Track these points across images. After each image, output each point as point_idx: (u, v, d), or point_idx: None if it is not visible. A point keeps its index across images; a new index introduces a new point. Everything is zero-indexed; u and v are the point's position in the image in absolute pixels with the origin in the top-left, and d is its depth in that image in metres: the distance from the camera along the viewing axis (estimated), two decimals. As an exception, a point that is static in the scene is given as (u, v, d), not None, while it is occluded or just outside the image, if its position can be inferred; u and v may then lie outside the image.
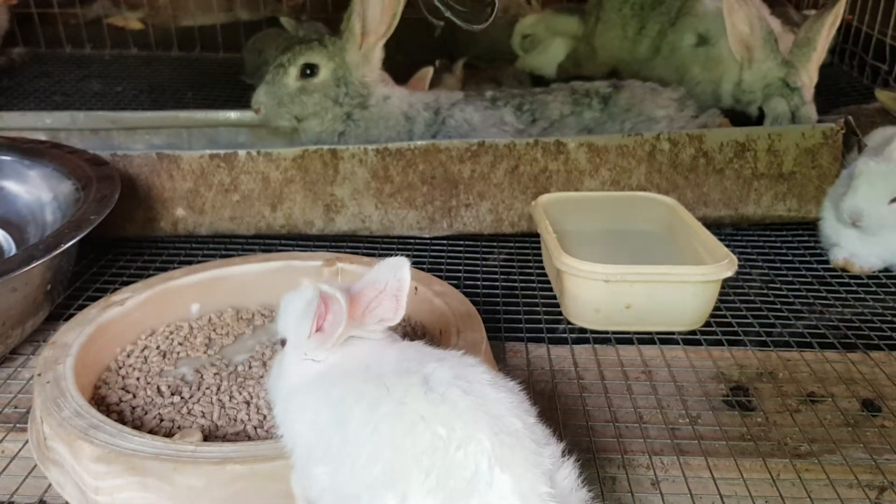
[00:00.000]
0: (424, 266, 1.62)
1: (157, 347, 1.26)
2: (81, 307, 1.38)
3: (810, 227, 1.75)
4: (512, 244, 1.76)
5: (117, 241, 1.71)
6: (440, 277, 1.35)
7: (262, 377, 1.19)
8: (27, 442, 1.07)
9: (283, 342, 0.90)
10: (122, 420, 1.08)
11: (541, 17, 2.89)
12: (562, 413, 1.17)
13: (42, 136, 1.95)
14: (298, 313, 0.87)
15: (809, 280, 1.61)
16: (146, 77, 2.95)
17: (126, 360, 1.23)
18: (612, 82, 1.91)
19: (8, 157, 1.56)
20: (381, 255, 1.64)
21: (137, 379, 1.19)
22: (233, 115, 2.09)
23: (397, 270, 0.85)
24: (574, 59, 2.72)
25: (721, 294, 1.40)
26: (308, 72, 1.82)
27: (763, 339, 1.39)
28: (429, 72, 2.11)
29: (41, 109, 2.25)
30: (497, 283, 1.59)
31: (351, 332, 0.85)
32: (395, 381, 0.78)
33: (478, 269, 1.65)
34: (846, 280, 1.60)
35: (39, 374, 1.07)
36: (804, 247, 1.74)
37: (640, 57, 2.41)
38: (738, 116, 1.96)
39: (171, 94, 2.73)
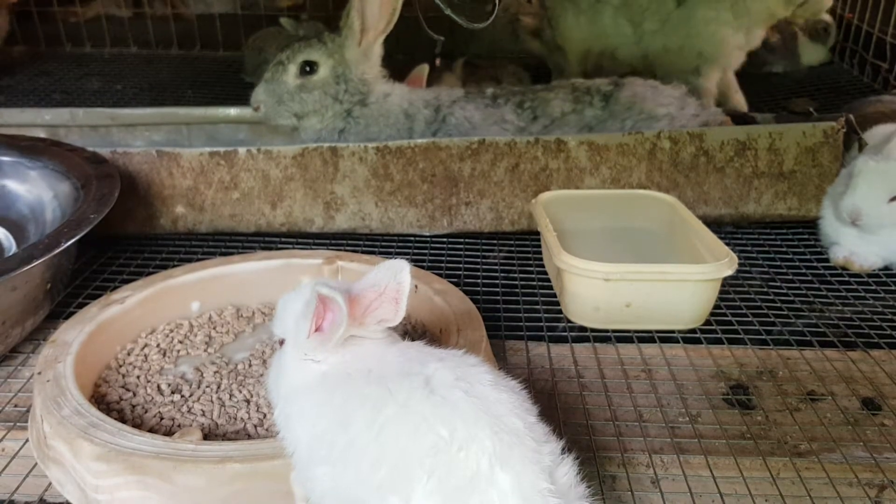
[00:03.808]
0: (424, 264, 1.62)
1: (158, 345, 1.26)
2: (81, 305, 1.38)
3: (811, 225, 1.75)
4: (512, 242, 1.76)
5: (117, 238, 1.71)
6: (440, 275, 1.35)
7: (262, 375, 1.19)
8: (27, 440, 1.06)
9: (281, 342, 0.90)
10: (122, 418, 1.08)
11: None
12: (562, 411, 1.17)
13: (41, 133, 1.95)
14: (297, 313, 0.87)
15: (810, 278, 1.61)
16: (146, 75, 2.95)
17: (126, 358, 1.23)
18: (614, 80, 1.90)
19: (8, 156, 1.56)
20: (380, 253, 1.65)
21: (137, 377, 1.19)
22: (232, 111, 2.09)
23: (397, 273, 0.85)
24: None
25: (721, 292, 1.40)
26: (307, 69, 1.82)
27: (763, 337, 1.39)
28: (425, 69, 2.11)
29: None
30: (497, 282, 1.59)
31: (351, 332, 0.85)
32: (397, 384, 0.78)
33: (478, 267, 1.65)
34: (846, 278, 1.60)
35: (40, 373, 1.07)
36: (804, 245, 1.74)
37: (608, 32, 2.40)
38: (739, 116, 1.97)
39: (171, 92, 2.73)
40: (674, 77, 2.31)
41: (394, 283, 0.85)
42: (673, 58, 2.37)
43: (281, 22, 2.66)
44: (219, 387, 1.17)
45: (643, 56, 2.42)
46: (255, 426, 1.09)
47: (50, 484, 1.00)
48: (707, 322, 1.42)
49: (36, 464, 1.02)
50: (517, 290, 1.55)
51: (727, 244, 1.39)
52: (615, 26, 2.40)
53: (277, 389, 0.89)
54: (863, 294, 1.55)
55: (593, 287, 1.35)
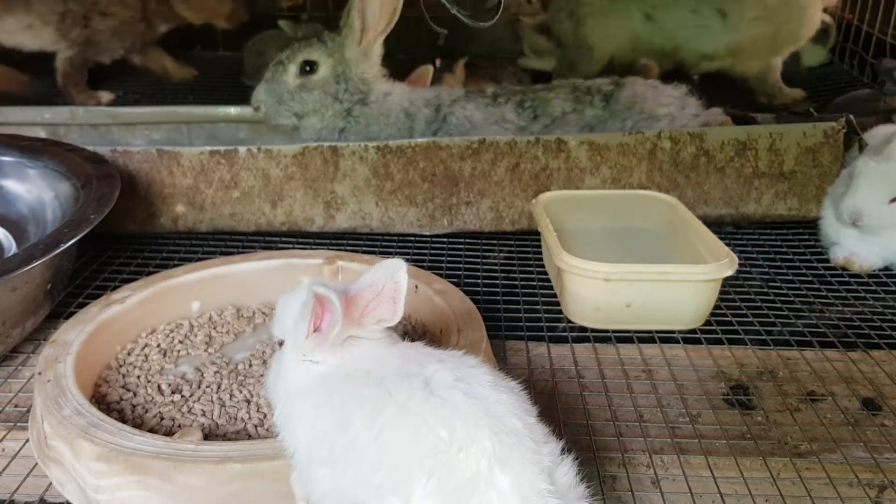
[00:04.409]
0: (425, 264, 1.62)
1: (158, 345, 1.26)
2: (82, 305, 1.38)
3: (811, 225, 1.75)
4: (512, 242, 1.75)
5: (117, 237, 1.71)
6: (440, 275, 1.35)
7: (262, 375, 1.19)
8: (28, 441, 1.06)
9: (281, 343, 0.90)
10: (122, 418, 1.08)
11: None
12: (562, 412, 1.17)
13: (41, 131, 1.95)
14: (295, 314, 0.87)
15: (810, 279, 1.61)
16: (145, 76, 2.93)
17: (126, 358, 1.23)
18: (614, 80, 1.90)
19: (8, 156, 1.56)
20: (381, 253, 1.65)
21: (138, 377, 1.19)
22: (233, 110, 2.09)
23: (394, 273, 0.85)
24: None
25: (721, 293, 1.40)
26: (307, 69, 1.82)
27: (763, 337, 1.39)
28: (429, 69, 2.11)
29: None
30: (497, 282, 1.59)
31: (350, 333, 0.85)
32: (397, 385, 0.78)
33: (478, 267, 1.65)
34: (846, 279, 1.60)
35: (40, 373, 1.07)
36: (805, 245, 1.74)
37: (682, 24, 2.41)
38: (740, 116, 1.97)
39: (171, 97, 2.72)
40: (749, 62, 2.37)
41: (391, 282, 0.85)
42: (767, 43, 2.41)
43: (279, 24, 2.66)
44: (219, 387, 1.17)
45: (724, 45, 2.43)
46: (256, 426, 1.09)
47: (50, 484, 1.00)
48: (707, 322, 1.42)
49: (36, 464, 1.02)
50: (517, 291, 1.55)
51: (727, 244, 1.39)
52: (697, 19, 2.41)
53: (276, 390, 0.89)
54: (863, 294, 1.55)
55: (593, 287, 1.35)
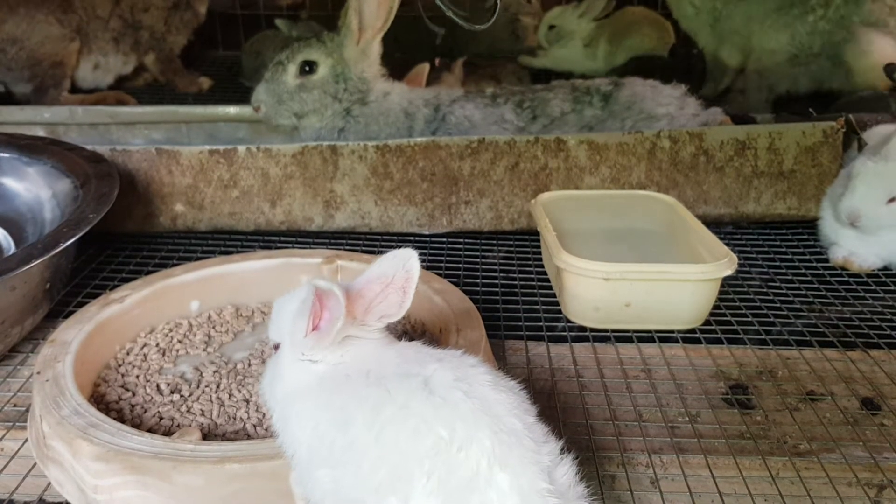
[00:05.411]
0: (424, 263, 1.58)
1: (157, 345, 1.26)
2: (81, 304, 1.38)
3: (810, 225, 1.75)
4: (511, 242, 1.75)
5: (116, 236, 1.70)
6: (440, 275, 1.35)
7: (261, 375, 1.19)
8: (27, 440, 1.06)
9: (276, 347, 0.90)
10: (121, 418, 1.08)
11: (565, 8, 2.86)
12: (561, 411, 1.17)
13: (40, 131, 1.95)
14: (293, 313, 0.86)
15: (809, 278, 1.61)
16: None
17: (125, 357, 1.23)
18: (613, 80, 1.90)
19: (7, 155, 1.56)
20: (380, 252, 1.64)
21: (137, 377, 1.19)
22: (232, 110, 2.09)
23: (406, 261, 0.85)
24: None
25: (721, 292, 1.40)
26: (307, 69, 1.82)
27: (763, 337, 1.39)
28: (425, 68, 2.11)
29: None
30: (496, 281, 1.59)
31: (348, 332, 0.85)
32: (396, 385, 0.77)
33: (477, 266, 1.65)
34: (846, 278, 1.60)
35: (39, 373, 1.06)
36: (804, 245, 1.74)
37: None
38: (739, 116, 1.96)
39: (171, 98, 2.72)
40: None
41: (402, 271, 0.84)
42: None
43: (276, 23, 2.66)
44: (218, 386, 1.17)
45: None
46: (255, 426, 1.09)
47: (49, 484, 1.00)
48: (706, 322, 1.42)
49: (35, 464, 1.02)
50: (516, 290, 1.55)
51: (726, 244, 1.39)
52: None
53: (273, 394, 0.88)
54: (862, 294, 1.55)
55: (593, 287, 1.35)
